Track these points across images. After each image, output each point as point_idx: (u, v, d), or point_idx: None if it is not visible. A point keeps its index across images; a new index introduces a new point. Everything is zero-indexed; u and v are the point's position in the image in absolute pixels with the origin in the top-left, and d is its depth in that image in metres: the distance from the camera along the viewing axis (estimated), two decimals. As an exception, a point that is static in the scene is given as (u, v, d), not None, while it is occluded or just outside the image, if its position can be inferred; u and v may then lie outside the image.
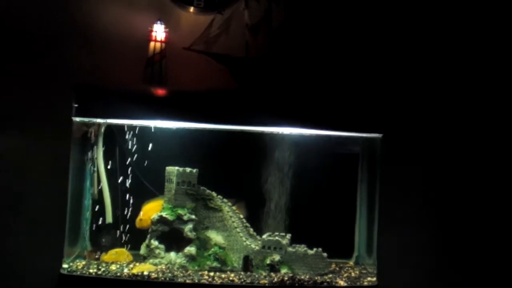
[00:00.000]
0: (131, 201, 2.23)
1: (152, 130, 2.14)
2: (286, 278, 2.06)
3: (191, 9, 2.31)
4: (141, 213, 2.21)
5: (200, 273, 2.07)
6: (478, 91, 2.41)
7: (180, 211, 2.15)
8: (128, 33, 2.25)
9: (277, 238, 2.16)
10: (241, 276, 2.07)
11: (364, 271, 2.23)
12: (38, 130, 2.23)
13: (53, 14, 2.25)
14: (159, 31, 2.17)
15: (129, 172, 2.23)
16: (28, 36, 2.25)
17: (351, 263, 2.34)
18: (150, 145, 2.20)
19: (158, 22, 2.18)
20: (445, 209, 2.41)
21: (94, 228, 2.21)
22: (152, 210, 2.19)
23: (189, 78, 2.23)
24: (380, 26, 2.35)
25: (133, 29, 2.24)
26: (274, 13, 2.19)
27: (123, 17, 2.27)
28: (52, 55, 2.25)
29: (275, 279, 2.05)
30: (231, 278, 2.05)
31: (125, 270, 2.05)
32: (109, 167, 2.23)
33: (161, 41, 2.17)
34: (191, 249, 2.12)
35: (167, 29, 2.19)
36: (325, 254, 2.16)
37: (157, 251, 2.13)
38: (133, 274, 2.01)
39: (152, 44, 2.16)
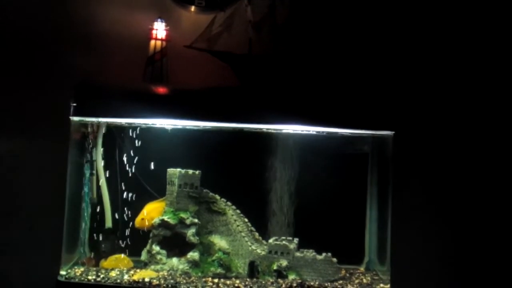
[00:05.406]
0: (132, 204, 2.17)
1: (155, 131, 2.09)
2: (294, 285, 1.99)
3: (192, 8, 2.29)
4: (144, 212, 2.14)
5: (203, 279, 2.01)
6: (494, 88, 2.34)
7: (183, 215, 2.09)
8: (128, 32, 2.23)
9: (284, 242, 2.10)
10: (246, 283, 2.01)
11: (376, 277, 2.15)
12: (34, 131, 2.19)
13: (51, 12, 2.22)
14: (159, 29, 2.14)
15: (129, 174, 2.17)
16: (26, 35, 2.22)
17: (362, 269, 2.26)
18: (151, 146, 2.15)
19: (159, 20, 2.15)
20: (463, 211, 2.33)
21: (93, 233, 2.15)
22: (154, 211, 2.13)
23: (191, 77, 2.19)
24: (391, 21, 2.30)
25: (134, 28, 2.22)
26: (278, 9, 2.16)
27: (123, 16, 2.25)
28: (50, 54, 2.22)
29: (283, 286, 1.98)
30: (236, 285, 1.99)
31: (125, 277, 1.99)
32: (108, 169, 2.18)
33: (161, 40, 2.14)
34: (194, 255, 2.06)
35: (168, 27, 2.16)
36: (334, 260, 2.09)
37: (158, 256, 2.07)
38: (134, 281, 1.96)
39: (152, 42, 2.13)
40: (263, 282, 2.02)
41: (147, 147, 2.16)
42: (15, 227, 2.19)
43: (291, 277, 2.05)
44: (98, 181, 2.17)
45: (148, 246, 2.10)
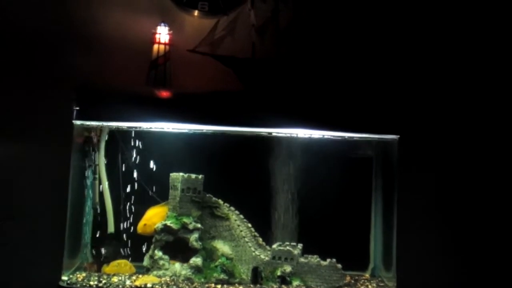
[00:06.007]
0: (134, 209, 2.16)
1: (158, 135, 2.09)
2: (298, 291, 1.97)
3: (196, 12, 2.28)
4: (145, 217, 2.13)
5: (206, 285, 1.99)
6: (499, 92, 2.32)
7: (185, 220, 2.08)
8: (131, 35, 2.22)
9: (288, 248, 2.08)
10: (250, 289, 1.99)
11: (382, 284, 2.13)
12: (37, 136, 2.18)
13: (55, 17, 2.23)
14: (163, 33, 2.14)
15: (132, 179, 2.16)
16: (29, 39, 2.22)
17: (367, 275, 2.24)
18: (154, 150, 2.14)
19: (162, 24, 2.15)
20: (469, 216, 2.29)
21: (95, 238, 2.14)
22: (157, 216, 2.12)
23: (194, 81, 2.18)
24: (395, 26, 2.29)
25: (137, 31, 2.21)
26: (282, 13, 2.15)
27: (126, 19, 2.25)
28: (53, 58, 2.21)
29: (287, 292, 1.97)
30: (239, 291, 1.97)
31: (128, 282, 1.98)
32: (111, 173, 2.17)
33: (165, 44, 2.14)
34: (197, 260, 2.04)
35: (171, 31, 2.16)
36: (339, 266, 2.07)
37: (161, 262, 2.05)
38: (136, 287, 1.95)
39: (156, 46, 2.13)
40: (267, 288, 2.00)
41: (150, 151, 2.15)
42: (17, 232, 2.17)
43: (295, 283, 2.03)
44: (100, 185, 2.16)
45: (150, 251, 2.09)
